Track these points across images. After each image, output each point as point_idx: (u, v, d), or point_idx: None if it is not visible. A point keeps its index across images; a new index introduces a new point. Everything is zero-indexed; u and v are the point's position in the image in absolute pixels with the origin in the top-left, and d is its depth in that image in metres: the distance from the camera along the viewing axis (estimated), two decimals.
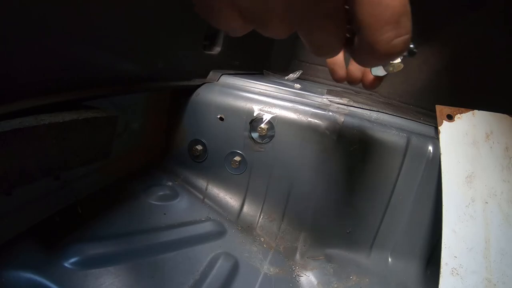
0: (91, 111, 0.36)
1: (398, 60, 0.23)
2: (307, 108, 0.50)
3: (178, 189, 0.55)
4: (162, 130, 0.58)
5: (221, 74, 0.58)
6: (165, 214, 0.49)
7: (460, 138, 0.47)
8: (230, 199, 0.55)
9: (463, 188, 0.44)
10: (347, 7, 0.16)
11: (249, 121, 0.51)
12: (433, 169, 0.47)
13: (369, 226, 0.50)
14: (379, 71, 0.30)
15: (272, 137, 0.51)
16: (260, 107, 0.51)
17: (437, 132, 0.48)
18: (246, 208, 0.54)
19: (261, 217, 0.53)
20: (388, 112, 0.52)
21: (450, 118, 0.49)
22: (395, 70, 0.24)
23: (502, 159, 0.46)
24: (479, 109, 0.49)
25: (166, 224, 0.47)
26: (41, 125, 0.29)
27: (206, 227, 0.49)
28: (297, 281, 0.46)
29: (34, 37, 0.30)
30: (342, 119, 0.49)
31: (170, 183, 0.56)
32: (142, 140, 0.57)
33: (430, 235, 0.48)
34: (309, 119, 0.50)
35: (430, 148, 0.47)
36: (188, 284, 0.40)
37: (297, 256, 0.50)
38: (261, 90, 0.54)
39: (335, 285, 0.46)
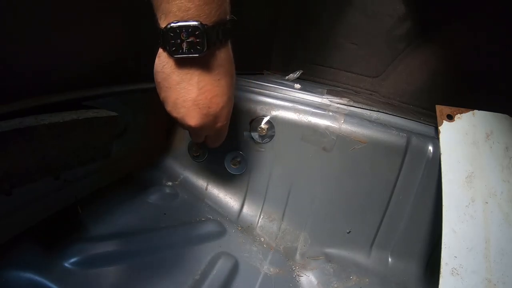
0: (91, 111, 0.36)
1: None
2: (307, 108, 0.50)
3: (178, 189, 0.55)
4: (162, 130, 0.58)
5: None
6: (165, 214, 0.49)
7: (460, 138, 0.47)
8: (230, 199, 0.55)
9: (463, 188, 0.44)
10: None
11: (249, 121, 0.51)
12: (433, 169, 0.47)
13: (369, 226, 0.50)
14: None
15: (272, 137, 0.51)
16: (260, 107, 0.51)
17: (437, 132, 0.48)
18: (246, 208, 0.54)
19: (261, 217, 0.53)
20: (388, 112, 0.52)
21: (450, 118, 0.49)
22: None
23: (502, 159, 0.46)
24: (479, 109, 0.49)
25: (166, 224, 0.47)
26: (41, 125, 0.29)
27: (206, 227, 0.49)
28: (297, 281, 0.46)
29: (35, 37, 0.30)
30: (342, 119, 0.49)
31: (170, 183, 0.56)
32: (142, 140, 0.57)
33: (430, 235, 0.48)
34: (309, 119, 0.50)
35: (430, 148, 0.47)
36: (188, 284, 0.40)
37: (297, 256, 0.50)
38: (261, 90, 0.54)
39: (335, 285, 0.46)
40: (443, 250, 0.41)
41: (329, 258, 0.50)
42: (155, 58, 0.38)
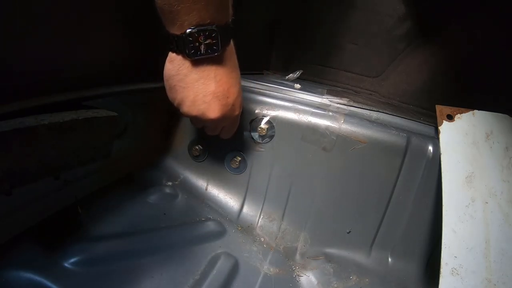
0: (91, 111, 0.36)
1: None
2: (307, 108, 0.50)
3: (178, 189, 0.55)
4: (162, 130, 0.58)
5: None
6: (165, 214, 0.49)
7: (460, 138, 0.47)
8: (230, 199, 0.55)
9: (463, 188, 0.44)
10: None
11: (249, 121, 0.51)
12: (433, 169, 0.47)
13: (369, 226, 0.50)
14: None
15: (272, 137, 0.51)
16: (260, 107, 0.51)
17: (437, 132, 0.48)
18: (246, 208, 0.54)
19: (261, 217, 0.53)
20: (388, 112, 0.52)
21: (450, 118, 0.49)
22: None
23: (502, 159, 0.46)
24: (479, 109, 0.49)
25: (166, 224, 0.47)
26: (41, 125, 0.29)
27: (206, 227, 0.49)
28: (297, 281, 0.46)
29: (34, 37, 0.30)
30: (342, 119, 0.49)
31: (170, 183, 0.56)
32: (142, 140, 0.57)
33: (430, 235, 0.48)
34: (309, 119, 0.50)
35: (430, 148, 0.47)
36: (188, 284, 0.40)
37: (297, 256, 0.50)
38: (261, 90, 0.54)
39: (335, 285, 0.46)
40: (443, 250, 0.41)
41: (329, 258, 0.50)
42: (155, 58, 0.38)
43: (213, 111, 0.39)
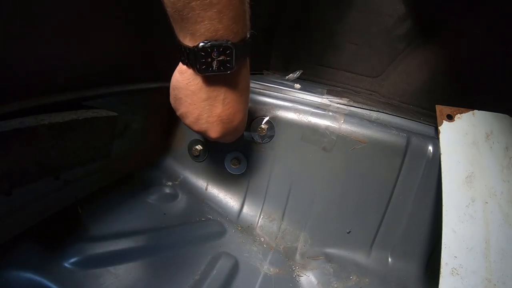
0: (91, 111, 0.36)
1: None
2: (307, 108, 0.50)
3: (178, 189, 0.55)
4: (162, 130, 0.58)
5: None
6: (165, 214, 0.49)
7: (460, 138, 0.47)
8: (230, 199, 0.55)
9: (463, 188, 0.44)
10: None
11: (249, 121, 0.51)
12: (433, 169, 0.47)
13: (369, 226, 0.50)
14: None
15: (272, 137, 0.51)
16: (260, 107, 0.51)
17: (437, 132, 0.48)
18: (246, 208, 0.54)
19: (261, 217, 0.53)
20: (388, 112, 0.52)
21: (450, 118, 0.49)
22: None
23: (502, 159, 0.46)
24: (479, 109, 0.49)
25: (166, 224, 0.47)
26: (41, 125, 0.29)
27: (206, 227, 0.49)
28: (297, 281, 0.46)
29: (34, 37, 0.30)
30: (342, 119, 0.49)
31: (170, 183, 0.56)
32: (142, 140, 0.57)
33: (430, 235, 0.48)
34: (309, 119, 0.50)
35: (430, 148, 0.47)
36: (188, 284, 0.40)
37: (297, 256, 0.50)
38: (261, 90, 0.54)
39: (335, 285, 0.46)
40: (443, 250, 0.41)
41: (329, 258, 0.50)
42: (155, 58, 0.38)
43: (214, 132, 0.38)
